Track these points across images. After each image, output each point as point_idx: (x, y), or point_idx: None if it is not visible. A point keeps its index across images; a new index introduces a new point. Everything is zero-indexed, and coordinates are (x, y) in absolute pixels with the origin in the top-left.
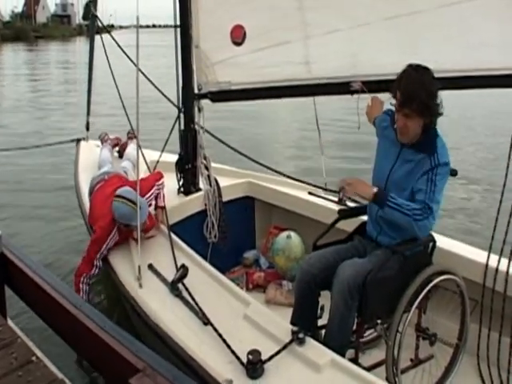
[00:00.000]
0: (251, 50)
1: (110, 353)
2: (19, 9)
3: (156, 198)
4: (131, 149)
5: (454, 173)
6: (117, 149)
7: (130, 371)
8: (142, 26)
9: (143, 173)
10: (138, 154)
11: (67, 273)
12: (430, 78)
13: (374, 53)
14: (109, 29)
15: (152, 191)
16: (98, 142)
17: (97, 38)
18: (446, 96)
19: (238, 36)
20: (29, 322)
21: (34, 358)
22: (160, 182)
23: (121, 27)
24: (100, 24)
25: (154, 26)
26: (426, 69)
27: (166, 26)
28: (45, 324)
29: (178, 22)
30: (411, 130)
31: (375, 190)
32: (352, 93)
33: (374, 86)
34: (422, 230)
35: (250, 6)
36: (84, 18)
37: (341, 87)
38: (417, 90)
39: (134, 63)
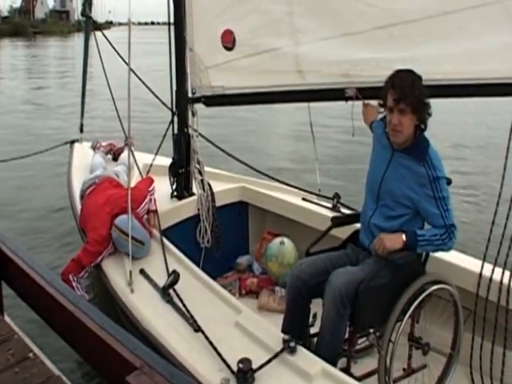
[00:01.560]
0: (243, 55)
1: (108, 350)
2: (17, 4)
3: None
4: (127, 154)
5: (447, 182)
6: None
7: (128, 369)
8: (140, 23)
9: (136, 177)
10: (129, 163)
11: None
12: (419, 78)
13: (366, 61)
14: (107, 25)
15: (146, 201)
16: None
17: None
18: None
19: (228, 41)
20: (26, 318)
21: (30, 355)
22: (151, 188)
23: (120, 24)
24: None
25: (152, 23)
26: (413, 72)
27: (164, 24)
28: (42, 320)
29: (173, 25)
30: (405, 128)
31: (404, 237)
32: (346, 99)
33: (367, 92)
34: (452, 247)
35: (240, 10)
36: (82, 14)
37: (335, 93)
38: (411, 86)
39: (126, 63)
